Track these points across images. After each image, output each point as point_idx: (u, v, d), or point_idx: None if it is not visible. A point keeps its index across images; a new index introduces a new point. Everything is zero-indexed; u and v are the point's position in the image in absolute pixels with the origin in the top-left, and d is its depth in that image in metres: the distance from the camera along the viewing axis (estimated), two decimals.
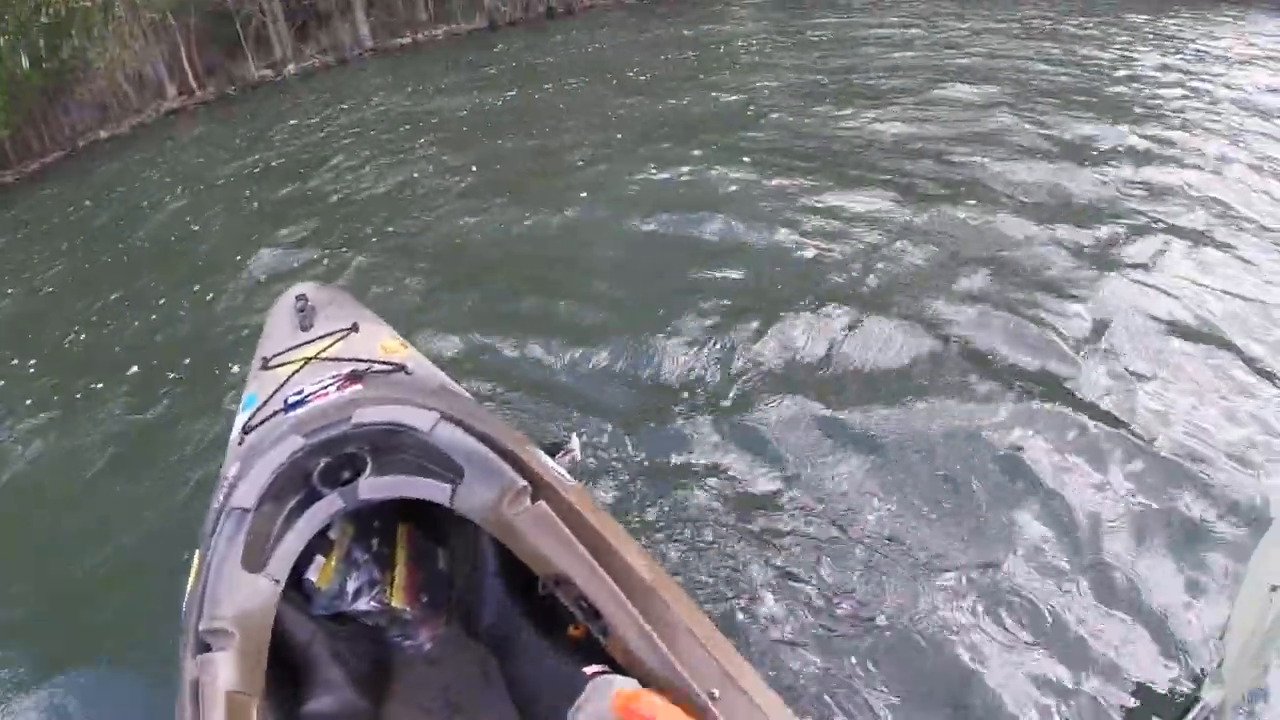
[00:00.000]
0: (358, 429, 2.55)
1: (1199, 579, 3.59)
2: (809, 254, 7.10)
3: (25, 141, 20.09)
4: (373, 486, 2.43)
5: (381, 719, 2.58)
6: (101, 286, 9.33)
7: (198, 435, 5.72)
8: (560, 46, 22.08)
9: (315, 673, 2.46)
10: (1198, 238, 6.99)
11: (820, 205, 8.15)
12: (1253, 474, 4.20)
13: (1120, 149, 9.40)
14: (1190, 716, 2.56)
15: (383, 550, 2.79)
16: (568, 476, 2.68)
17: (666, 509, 4.17)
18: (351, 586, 2.64)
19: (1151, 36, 16.59)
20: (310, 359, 3.33)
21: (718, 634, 2.19)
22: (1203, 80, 12.75)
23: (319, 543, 2.52)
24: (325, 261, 8.42)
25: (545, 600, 2.42)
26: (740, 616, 3.49)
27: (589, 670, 1.91)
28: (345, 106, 18.07)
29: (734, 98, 13.27)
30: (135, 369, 7.07)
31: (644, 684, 1.89)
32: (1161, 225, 7.27)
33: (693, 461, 4.56)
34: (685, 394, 5.25)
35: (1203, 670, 3.13)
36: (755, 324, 5.87)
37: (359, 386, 3.00)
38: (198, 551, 2.53)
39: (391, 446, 2.55)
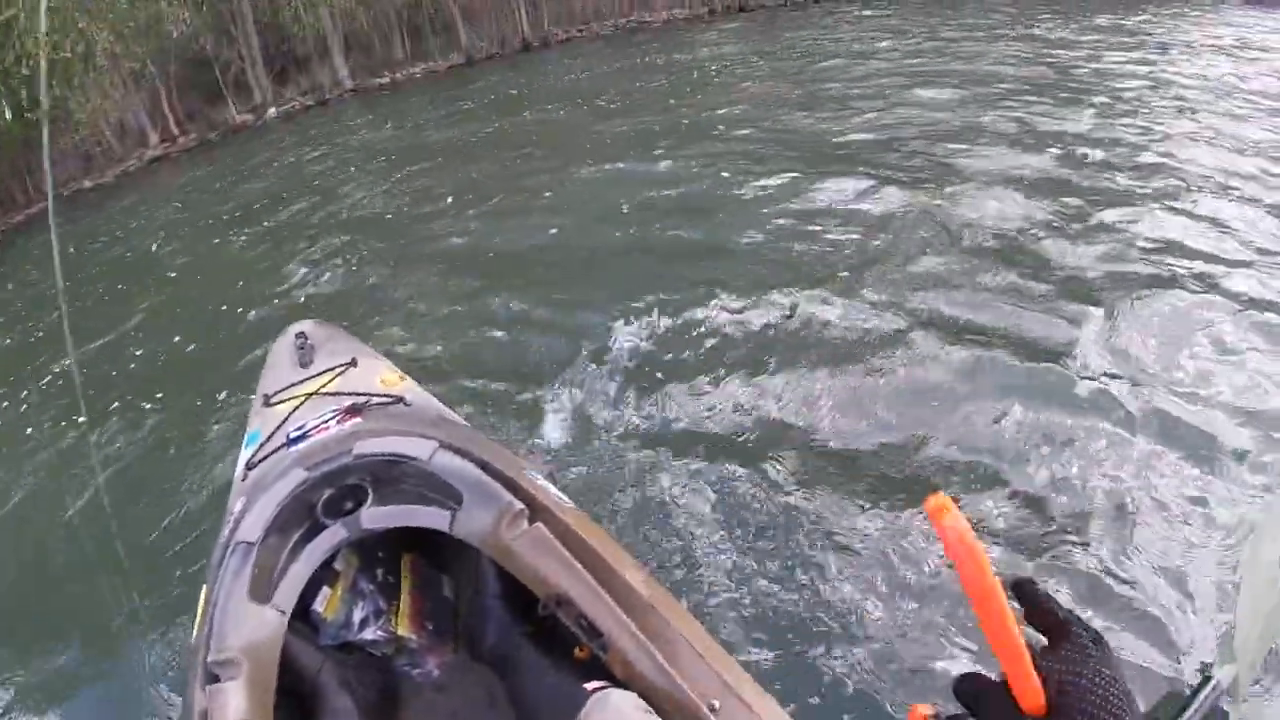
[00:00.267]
0: (359, 460, 2.57)
1: (1205, 556, 3.63)
2: (792, 248, 7.47)
3: (9, 193, 20.13)
4: (375, 516, 2.45)
5: None
6: (88, 335, 9.39)
7: (186, 474, 5.79)
8: (537, 78, 22.44)
9: (324, 702, 2.42)
10: (1170, 206, 7.56)
11: (798, 204, 8.55)
12: (1253, 450, 4.28)
13: (1096, 134, 10.18)
14: (1203, 694, 2.46)
15: (388, 579, 2.81)
16: (565, 498, 2.75)
17: (662, 526, 4.21)
18: (358, 616, 2.65)
19: (1123, 34, 17.11)
20: (311, 394, 3.40)
21: (717, 646, 2.22)
22: (1170, 69, 13.67)
23: (324, 574, 2.55)
24: (311, 297, 8.56)
25: (547, 622, 2.45)
26: (739, 629, 3.53)
27: (589, 686, 1.93)
28: (326, 147, 18.25)
29: (705, 114, 13.73)
30: (121, 408, 7.18)
31: (645, 698, 1.94)
32: (1135, 196, 7.87)
33: (686, 476, 4.60)
34: (677, 406, 5.32)
35: (1214, 648, 3.17)
36: (743, 334, 6.08)
37: (359, 419, 3.04)
38: (204, 586, 2.54)
39: (392, 477, 2.59)
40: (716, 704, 1.98)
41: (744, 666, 2.21)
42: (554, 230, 9.03)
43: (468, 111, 18.82)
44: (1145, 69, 14.05)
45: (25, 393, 8.26)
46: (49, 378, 8.47)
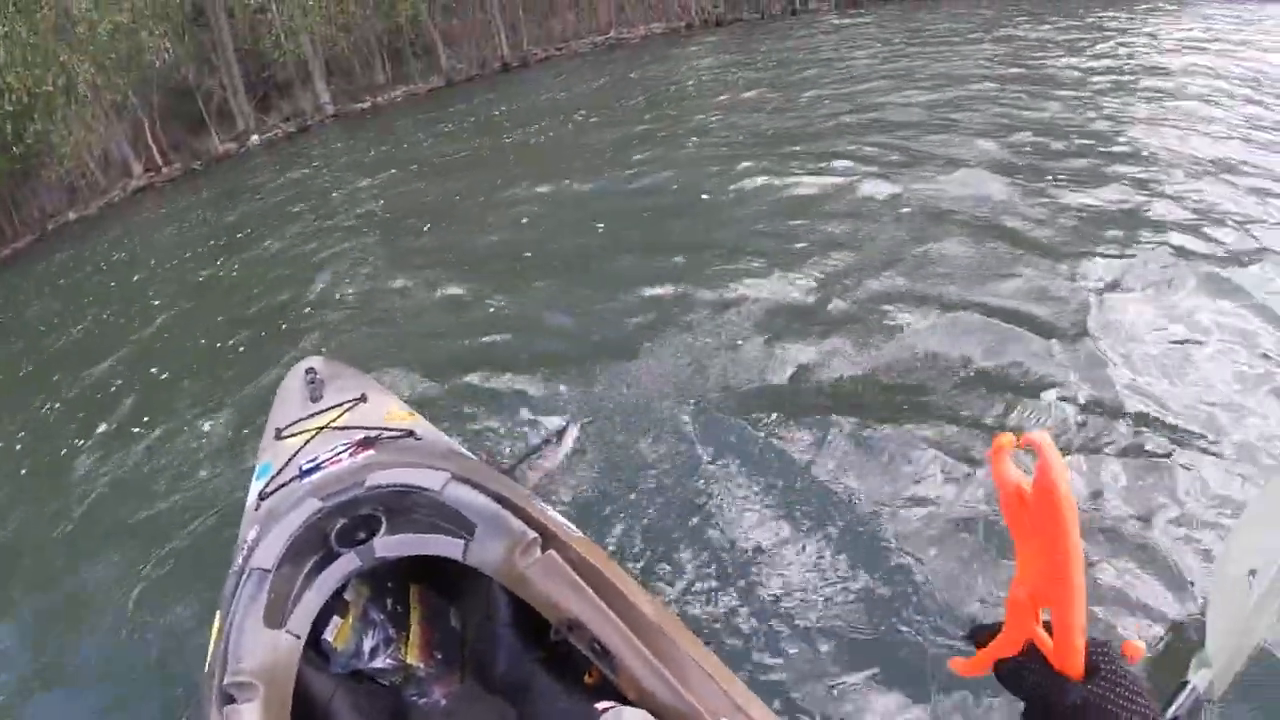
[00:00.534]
0: (372, 491, 2.58)
1: (1176, 563, 3.61)
2: (776, 245, 7.64)
3: None
4: (388, 545, 2.48)
5: None
6: (77, 366, 9.45)
7: (180, 503, 5.80)
8: (517, 98, 22.58)
9: None
10: (1144, 194, 7.84)
11: (779, 202, 8.77)
12: (1225, 457, 4.27)
13: (1070, 126, 10.59)
14: (1179, 700, 2.55)
15: (397, 609, 2.83)
16: (573, 527, 2.77)
17: (667, 550, 4.20)
18: (368, 645, 2.67)
19: (1098, 31, 17.62)
20: (322, 428, 3.42)
21: (724, 667, 2.25)
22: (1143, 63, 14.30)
23: (335, 604, 2.58)
24: (296, 325, 8.58)
25: (558, 647, 2.46)
26: (745, 649, 3.52)
27: (600, 706, 1.92)
28: (308, 172, 18.41)
29: (682, 125, 14.03)
30: (106, 437, 7.24)
31: (656, 716, 1.93)
32: (1115, 184, 8.17)
33: (690, 499, 4.56)
34: (679, 426, 5.25)
35: (1188, 654, 3.03)
36: (741, 344, 6.07)
37: (371, 452, 3.07)
38: (218, 613, 2.56)
39: (405, 507, 2.60)
40: None
41: (750, 686, 2.26)
42: (532, 245, 9.14)
43: (449, 133, 19.00)
44: (1118, 63, 14.51)
45: (17, 427, 8.30)
46: (42, 409, 8.53)
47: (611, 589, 2.30)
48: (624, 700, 2.03)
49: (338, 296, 9.30)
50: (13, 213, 21.04)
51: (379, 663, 2.67)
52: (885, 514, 4.13)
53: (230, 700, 2.09)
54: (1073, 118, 10.92)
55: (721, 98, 16.30)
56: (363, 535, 2.54)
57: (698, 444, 4.94)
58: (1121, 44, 16.46)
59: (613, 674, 2.12)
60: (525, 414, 5.62)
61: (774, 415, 5.09)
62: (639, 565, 4.09)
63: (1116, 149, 9.39)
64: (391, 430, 3.31)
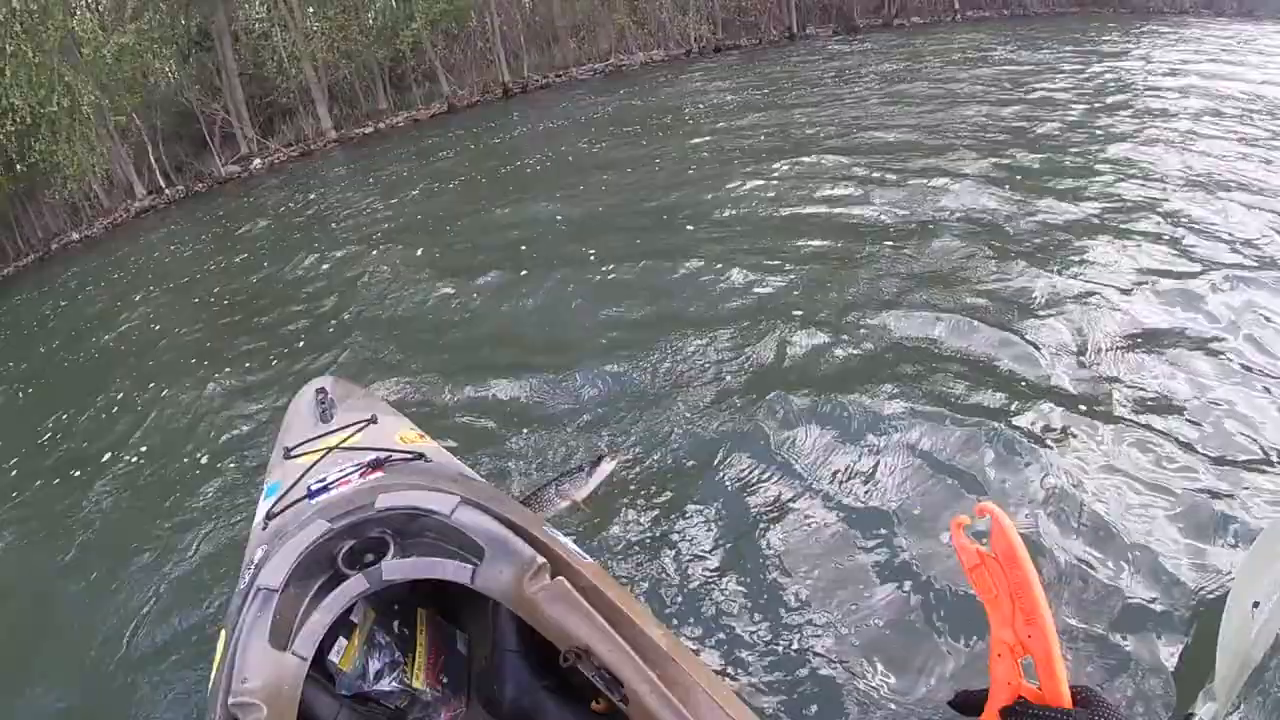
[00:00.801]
0: (381, 513, 2.55)
1: (1188, 593, 3.61)
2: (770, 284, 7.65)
3: None
4: (396, 568, 2.43)
5: None
6: (77, 388, 9.53)
7: (183, 524, 5.82)
8: (517, 124, 22.86)
9: None
10: (1137, 207, 8.20)
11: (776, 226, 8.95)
12: (1238, 488, 4.24)
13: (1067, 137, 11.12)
14: None
15: (404, 632, 2.78)
16: (583, 553, 2.75)
17: (677, 578, 4.16)
18: (373, 668, 2.62)
19: (1099, 50, 17.95)
20: (331, 449, 3.40)
21: (735, 698, 2.21)
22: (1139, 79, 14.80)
23: (341, 625, 2.52)
24: (299, 349, 8.64)
25: (566, 675, 2.38)
26: (754, 678, 3.50)
27: None
28: (311, 196, 18.51)
29: (679, 153, 14.05)
30: (108, 455, 7.29)
31: None
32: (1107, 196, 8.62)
33: (698, 523, 4.56)
34: (685, 450, 5.26)
35: (1196, 685, 2.98)
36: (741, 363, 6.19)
37: (380, 474, 3.06)
38: (223, 632, 2.53)
39: (414, 530, 2.56)
40: None
41: (762, 717, 2.28)
42: (529, 264, 9.30)
43: (448, 160, 19.13)
44: (1112, 83, 15.22)
45: (20, 445, 8.38)
46: (46, 428, 8.59)
47: (622, 616, 2.27)
48: None
49: (341, 318, 9.37)
50: (16, 232, 21.16)
51: (384, 686, 2.64)
52: (914, 567, 4.01)
53: None
54: (1067, 136, 11.40)
55: (719, 124, 16.48)
56: (371, 558, 2.51)
57: (720, 480, 4.90)
58: (1119, 65, 17.01)
59: (622, 703, 2.10)
60: (550, 440, 5.62)
61: (798, 455, 5.03)
62: (649, 593, 4.07)
63: (1107, 165, 9.86)
64: (401, 452, 3.30)
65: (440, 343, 7.99)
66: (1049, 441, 4.76)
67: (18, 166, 19.49)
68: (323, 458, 3.33)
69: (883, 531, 4.23)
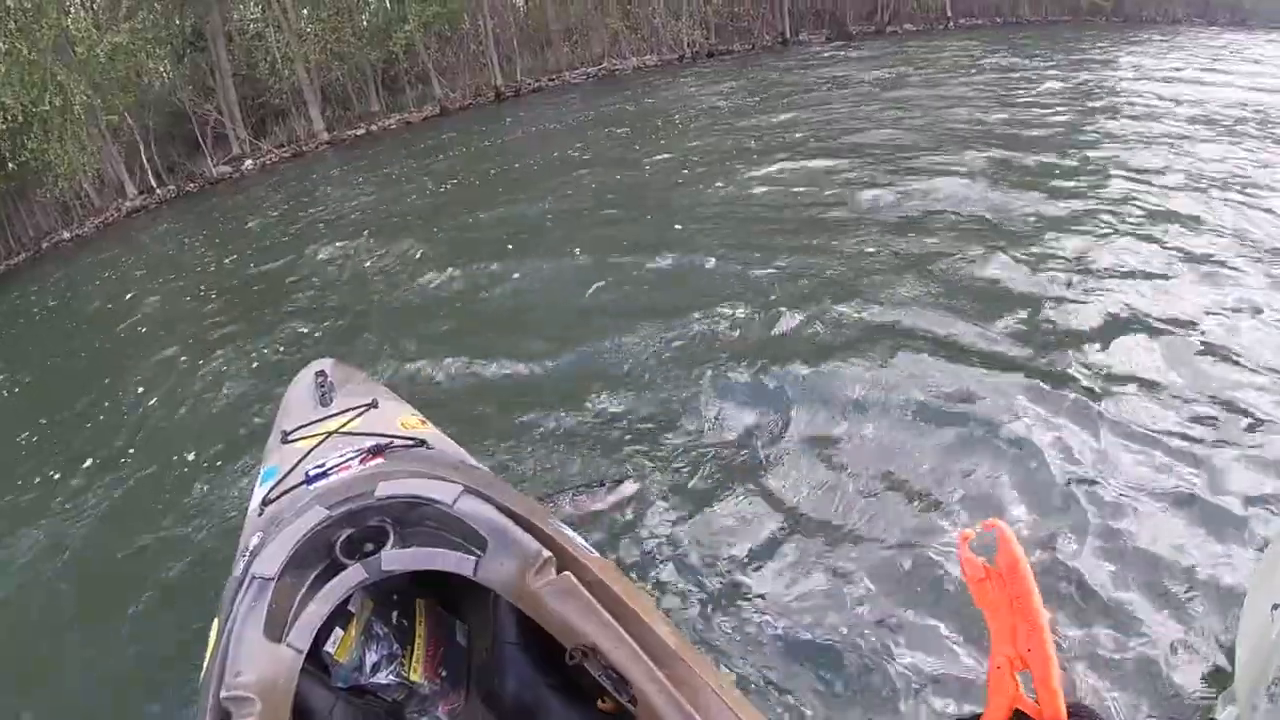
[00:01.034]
0: (381, 501, 2.50)
1: (1205, 597, 3.58)
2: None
3: None
4: (395, 558, 2.39)
5: None
6: (69, 383, 9.56)
7: (174, 513, 5.80)
8: (508, 127, 22.87)
9: None
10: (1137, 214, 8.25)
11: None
12: (1253, 492, 4.21)
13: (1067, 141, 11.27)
14: None
15: (402, 623, 2.74)
16: (590, 547, 2.68)
17: (685, 575, 4.11)
18: (370, 660, 2.59)
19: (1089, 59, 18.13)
20: (331, 433, 3.35)
21: (747, 702, 2.14)
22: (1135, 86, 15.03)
23: (338, 615, 2.47)
24: (289, 348, 8.64)
25: (570, 672, 2.30)
26: (764, 681, 3.46)
27: None
28: (303, 197, 18.50)
29: (668, 157, 14.25)
30: (100, 451, 7.27)
31: None
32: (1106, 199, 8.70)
33: (708, 518, 4.53)
34: (692, 447, 5.21)
35: (1215, 689, 3.11)
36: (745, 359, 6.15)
37: (381, 460, 3.01)
38: (216, 621, 2.52)
39: (414, 519, 2.52)
40: None
41: (769, 716, 2.23)
42: (523, 274, 9.25)
43: (440, 162, 19.14)
44: (1105, 89, 15.51)
45: (11, 439, 8.34)
46: (36, 425, 8.56)
47: (629, 614, 2.21)
48: None
49: (333, 311, 9.45)
50: (7, 230, 21.11)
51: (381, 678, 2.60)
52: (926, 575, 3.95)
53: (226, 716, 2.03)
54: (1054, 138, 11.73)
55: (711, 127, 16.62)
56: (370, 547, 2.47)
57: (728, 473, 4.89)
58: (1109, 72, 17.34)
59: (630, 704, 2.06)
60: (554, 428, 5.62)
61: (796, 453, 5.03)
62: (656, 590, 4.00)
63: (1090, 163, 10.23)
64: (402, 439, 3.23)
65: (434, 331, 8.06)
66: (1058, 442, 4.75)
67: (9, 165, 19.44)
68: (322, 442, 3.30)
69: (896, 537, 4.19)
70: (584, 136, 18.40)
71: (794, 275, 7.64)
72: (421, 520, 2.52)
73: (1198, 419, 4.85)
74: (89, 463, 7.13)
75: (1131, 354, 5.61)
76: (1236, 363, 5.41)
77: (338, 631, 2.54)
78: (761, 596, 3.92)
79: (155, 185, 23.48)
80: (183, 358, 9.16)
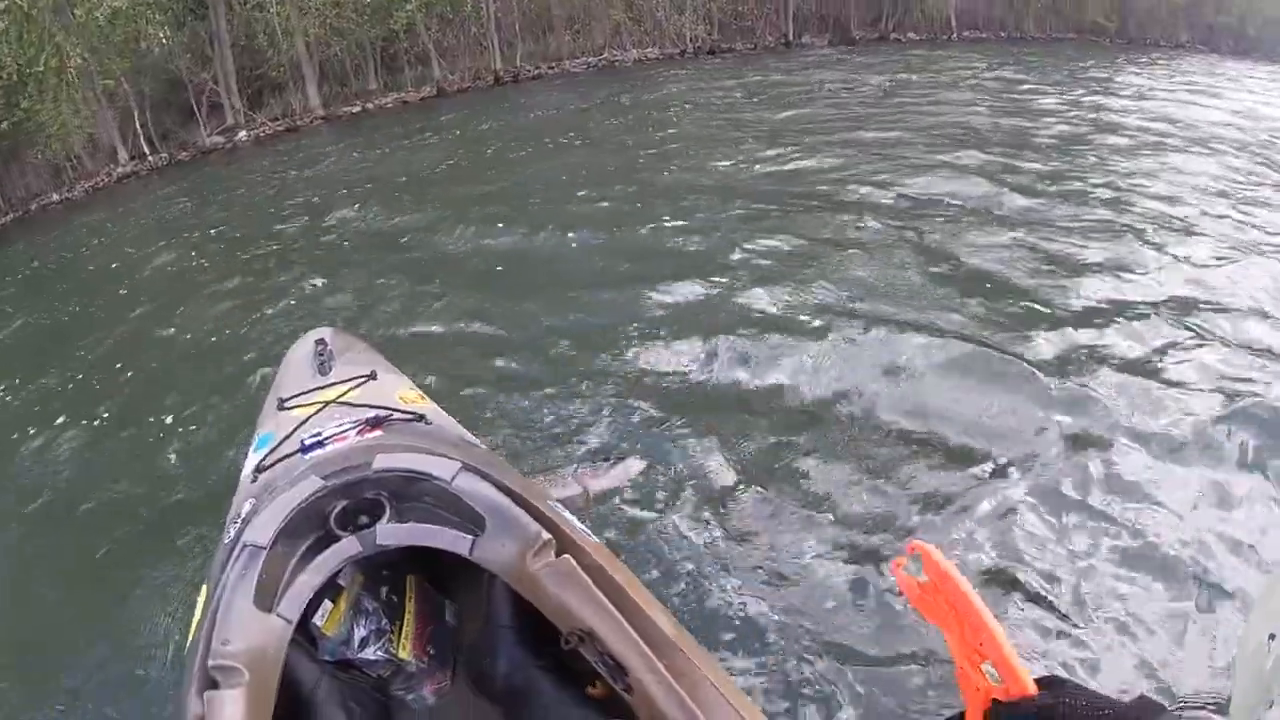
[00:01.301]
0: (378, 474, 2.46)
1: (1207, 621, 3.63)
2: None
3: None
4: (390, 533, 2.37)
5: None
6: (55, 343, 9.47)
7: (156, 478, 5.79)
8: (505, 112, 22.84)
9: (320, 719, 2.38)
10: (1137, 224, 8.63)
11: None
12: (1259, 519, 4.26)
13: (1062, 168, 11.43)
14: None
15: (392, 599, 2.71)
16: (588, 531, 2.66)
17: (683, 564, 4.12)
18: (358, 635, 2.57)
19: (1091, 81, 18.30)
20: (328, 402, 3.31)
21: (742, 694, 2.14)
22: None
23: (327, 588, 2.45)
24: (273, 320, 8.59)
25: (562, 656, 2.31)
26: (761, 675, 3.47)
27: None
28: (295, 170, 18.44)
29: (662, 150, 14.29)
30: (72, 418, 7.18)
31: None
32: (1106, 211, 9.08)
33: (707, 507, 4.54)
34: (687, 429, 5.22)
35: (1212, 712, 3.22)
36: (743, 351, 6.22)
37: (379, 433, 2.97)
38: (205, 587, 2.48)
39: (411, 494, 2.48)
40: None
41: (761, 707, 2.26)
42: (508, 258, 9.33)
43: (434, 142, 19.23)
44: (1103, 110, 15.82)
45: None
46: (19, 388, 8.44)
47: (628, 600, 2.20)
48: (633, 718, 2.03)
49: (321, 287, 9.40)
50: None
51: (369, 654, 2.57)
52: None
53: (213, 684, 1.99)
54: (1046, 148, 11.92)
55: (708, 122, 16.76)
56: (364, 520, 2.42)
57: (726, 463, 4.90)
58: (1108, 91, 17.56)
59: (626, 691, 2.04)
60: (550, 404, 5.65)
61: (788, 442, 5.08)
62: (653, 578, 3.97)
63: (1077, 173, 10.62)
64: (401, 412, 3.20)
65: (422, 298, 8.17)
66: (1063, 459, 4.79)
67: (3, 124, 19.30)
68: (319, 411, 3.26)
69: (904, 538, 4.14)
70: (581, 126, 18.45)
71: (787, 263, 7.89)
72: (419, 496, 2.49)
73: (1202, 442, 4.91)
74: (65, 419, 7.13)
75: (1120, 355, 5.84)
76: (1245, 383, 5.52)
77: (326, 604, 2.52)
78: (762, 592, 3.93)
79: (148, 152, 23.32)
80: (170, 323, 9.14)
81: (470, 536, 2.33)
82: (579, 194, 11.88)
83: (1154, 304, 6.73)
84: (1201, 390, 5.44)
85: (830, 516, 4.40)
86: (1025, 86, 19.07)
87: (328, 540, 2.38)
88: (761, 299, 7.05)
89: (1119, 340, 6.15)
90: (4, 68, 18.89)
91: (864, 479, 4.68)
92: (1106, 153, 11.78)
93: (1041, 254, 7.66)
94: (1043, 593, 3.85)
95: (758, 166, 12.25)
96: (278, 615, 2.18)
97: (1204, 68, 23.92)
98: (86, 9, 20.95)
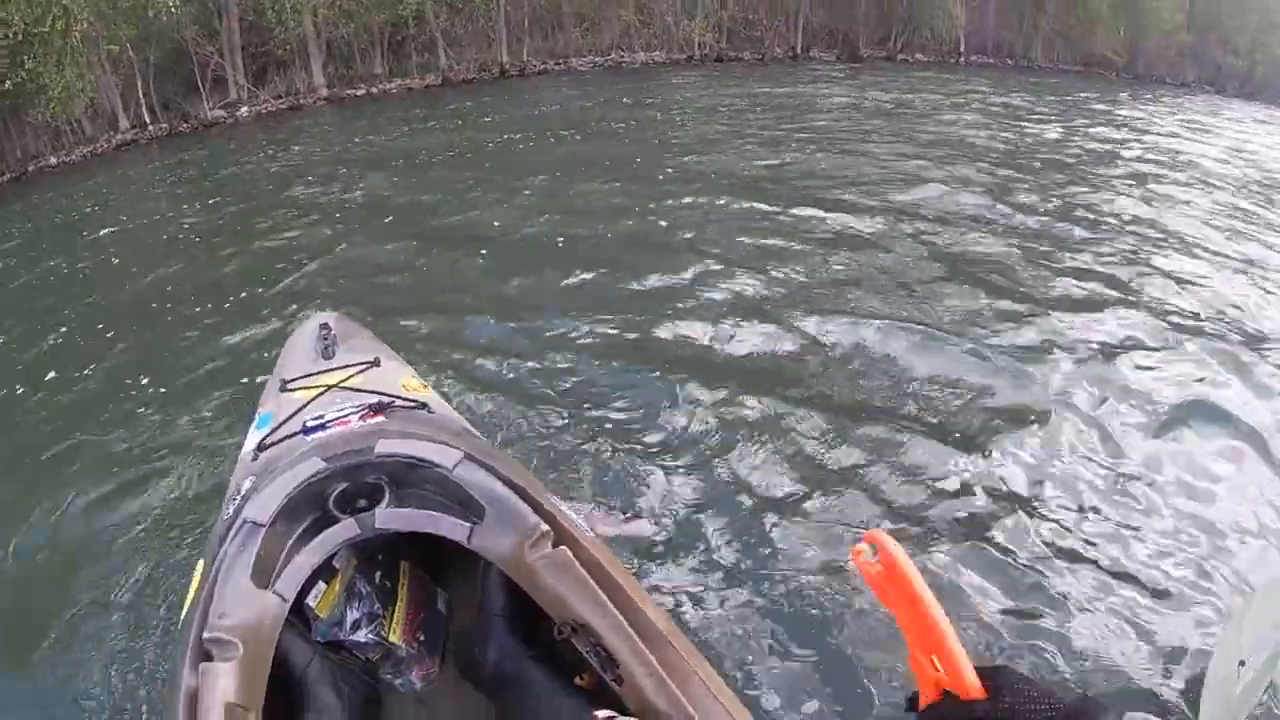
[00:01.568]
0: (379, 459, 2.48)
1: (1173, 650, 3.62)
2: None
3: None
4: (389, 517, 2.37)
5: None
6: (47, 308, 9.40)
7: (135, 442, 5.80)
8: (508, 105, 22.85)
9: (312, 698, 2.36)
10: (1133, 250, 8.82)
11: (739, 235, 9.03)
12: (1233, 545, 4.32)
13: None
14: None
15: (385, 584, 2.72)
16: (585, 525, 2.66)
17: (676, 563, 4.12)
18: (351, 617, 2.57)
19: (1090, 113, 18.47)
20: (331, 386, 3.33)
21: (731, 693, 2.16)
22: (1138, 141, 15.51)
23: (322, 569, 2.44)
24: (264, 294, 8.59)
25: (552, 646, 2.35)
26: (750, 674, 3.49)
27: (600, 715, 1.90)
28: (297, 148, 18.51)
29: (660, 152, 14.15)
30: (69, 379, 7.15)
31: None
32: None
33: (697, 506, 4.56)
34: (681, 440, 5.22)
35: None
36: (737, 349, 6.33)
37: (381, 418, 2.99)
38: (202, 561, 2.50)
39: (411, 481, 2.51)
40: None
41: (748, 704, 2.22)
42: (494, 251, 9.32)
43: (435, 129, 19.25)
44: (1104, 142, 16.08)
45: None
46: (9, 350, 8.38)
47: (623, 595, 2.23)
48: (621, 709, 2.00)
49: (307, 266, 9.39)
50: None
51: (360, 636, 2.58)
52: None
53: (208, 657, 2.00)
54: (1039, 178, 12.11)
55: (709, 129, 16.81)
56: (363, 503, 2.43)
57: (721, 463, 4.93)
58: (1108, 125, 17.73)
59: (616, 683, 2.07)
60: (550, 402, 5.63)
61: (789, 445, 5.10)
62: (646, 574, 4.01)
63: (1091, 215, 10.36)
64: (404, 400, 3.21)
65: (415, 284, 8.25)
66: (1040, 480, 4.83)
67: (6, 83, 19.21)
68: (321, 394, 3.27)
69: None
70: (582, 125, 18.46)
71: (787, 263, 8.02)
72: (419, 482, 2.50)
73: (1176, 470, 4.97)
74: (52, 375, 7.17)
75: (1114, 396, 5.78)
76: (1220, 408, 5.64)
77: (320, 585, 2.52)
78: (753, 587, 3.95)
79: (149, 121, 23.29)
80: (159, 292, 9.14)
81: (469, 525, 2.34)
82: (577, 187, 11.98)
83: (1127, 306, 7.13)
84: (1170, 386, 5.73)
85: (816, 514, 4.46)
86: (1029, 112, 19.26)
87: (326, 522, 2.39)
88: (757, 293, 7.25)
89: (1092, 337, 6.49)
90: (10, 25, 18.78)
91: (853, 475, 4.77)
92: (1104, 178, 12.05)
93: (1028, 257, 8.06)
94: (1007, 581, 3.96)
95: (757, 166, 12.44)
96: (274, 592, 2.19)
97: (1207, 108, 24.13)
98: None
